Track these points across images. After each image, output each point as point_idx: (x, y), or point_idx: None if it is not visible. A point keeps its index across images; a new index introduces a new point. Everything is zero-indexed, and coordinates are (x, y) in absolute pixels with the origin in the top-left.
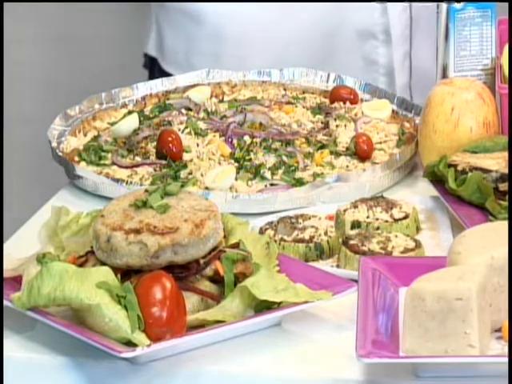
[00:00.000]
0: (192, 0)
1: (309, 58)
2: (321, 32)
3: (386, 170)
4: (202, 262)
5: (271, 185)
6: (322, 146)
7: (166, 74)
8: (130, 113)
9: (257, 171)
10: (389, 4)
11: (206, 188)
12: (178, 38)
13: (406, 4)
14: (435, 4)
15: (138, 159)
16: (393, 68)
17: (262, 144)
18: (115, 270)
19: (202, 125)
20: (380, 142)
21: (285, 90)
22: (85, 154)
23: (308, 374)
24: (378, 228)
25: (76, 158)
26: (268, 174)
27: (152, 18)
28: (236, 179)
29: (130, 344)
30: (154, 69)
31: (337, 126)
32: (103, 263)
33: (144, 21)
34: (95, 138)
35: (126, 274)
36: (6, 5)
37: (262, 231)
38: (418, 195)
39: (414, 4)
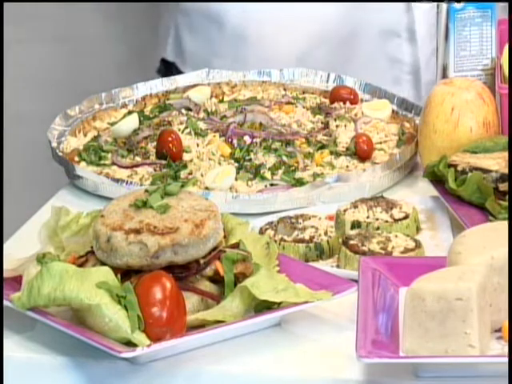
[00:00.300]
0: (211, 0)
1: (332, 59)
2: (343, 32)
3: (386, 170)
4: (202, 262)
5: (271, 185)
6: (322, 146)
7: None
8: (129, 113)
9: (257, 171)
10: (413, 2)
11: (206, 188)
12: (199, 41)
13: (434, 3)
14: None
15: (138, 159)
16: (418, 66)
17: (262, 144)
18: (115, 270)
19: (201, 125)
20: (380, 142)
21: (285, 90)
22: (85, 154)
23: (308, 374)
24: (378, 228)
25: (76, 158)
26: (268, 174)
27: (169, 23)
28: (236, 179)
29: (130, 344)
30: (172, 74)
31: (337, 126)
32: (103, 263)
33: (143, 21)
34: (95, 138)
35: (126, 274)
36: (5, 5)
37: (262, 231)
38: (417, 195)
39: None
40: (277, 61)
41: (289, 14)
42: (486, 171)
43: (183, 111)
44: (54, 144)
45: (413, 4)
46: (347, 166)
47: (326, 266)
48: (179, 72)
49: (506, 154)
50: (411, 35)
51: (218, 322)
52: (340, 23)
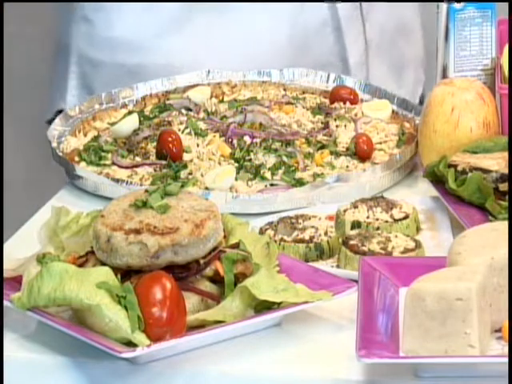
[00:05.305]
0: None
1: None
2: (280, 63)
3: (386, 171)
4: (202, 262)
5: (271, 185)
6: (322, 147)
7: None
8: (130, 113)
9: (257, 171)
10: (343, 30)
11: (206, 188)
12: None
13: (360, 29)
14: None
15: (138, 159)
16: None
17: (262, 144)
18: (115, 270)
19: (202, 125)
20: (380, 143)
21: (285, 90)
22: (85, 154)
23: (308, 374)
24: (378, 228)
25: (76, 159)
26: (268, 175)
27: (70, 69)
28: (236, 179)
29: (130, 344)
30: None
31: (337, 126)
32: (103, 263)
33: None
34: (95, 138)
35: (126, 274)
36: (5, 5)
37: (262, 231)
38: (417, 195)
39: (368, 30)
40: None
41: (222, 51)
42: (485, 171)
43: (183, 111)
44: (54, 144)
45: (343, 33)
46: (347, 166)
47: (325, 265)
48: None
49: (505, 154)
50: (344, 64)
51: (218, 322)
52: (278, 55)
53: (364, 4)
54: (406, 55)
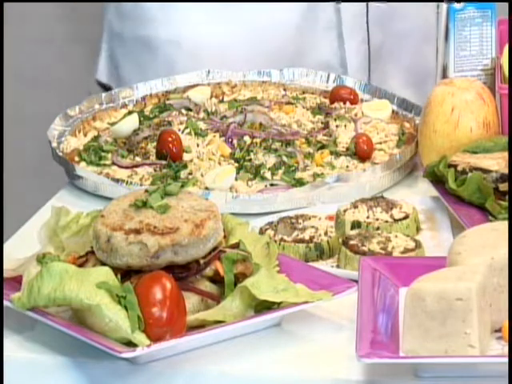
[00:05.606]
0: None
1: None
2: (278, 65)
3: (386, 171)
4: (202, 262)
5: (271, 185)
6: (322, 147)
7: None
8: (130, 113)
9: (257, 171)
10: (345, 35)
11: (206, 188)
12: (133, 67)
13: (365, 36)
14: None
15: (138, 159)
16: None
17: (262, 144)
18: (115, 270)
19: (202, 125)
20: (380, 143)
21: (285, 90)
22: (85, 154)
23: (308, 374)
24: (378, 228)
25: (76, 158)
26: (268, 174)
27: (103, 45)
28: (236, 179)
29: (130, 344)
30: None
31: (337, 126)
32: (103, 263)
33: None
34: (95, 138)
35: (126, 274)
36: (5, 5)
37: (262, 231)
38: (417, 195)
39: (373, 35)
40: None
41: (220, 42)
42: (485, 171)
43: (183, 111)
44: (54, 144)
45: (345, 39)
46: (347, 166)
47: (326, 265)
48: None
49: (505, 154)
50: (344, 70)
51: (218, 322)
52: (278, 54)
53: (381, 10)
54: (431, 64)
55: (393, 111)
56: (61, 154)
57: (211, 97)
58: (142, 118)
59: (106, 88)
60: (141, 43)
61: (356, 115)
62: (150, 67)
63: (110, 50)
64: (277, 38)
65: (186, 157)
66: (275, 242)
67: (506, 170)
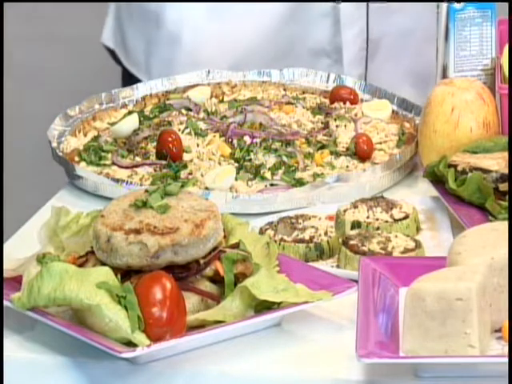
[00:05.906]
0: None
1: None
2: (277, 47)
3: (386, 171)
4: (202, 262)
5: (271, 185)
6: (322, 147)
7: (130, 75)
8: (130, 113)
9: (257, 171)
10: (342, 24)
11: (206, 188)
12: (139, 38)
13: (363, 27)
14: (402, 28)
15: (138, 159)
16: None
17: (262, 144)
18: (115, 270)
19: (202, 125)
20: (380, 143)
21: (285, 90)
22: (85, 154)
23: (308, 374)
24: (378, 228)
25: (76, 158)
26: (268, 174)
27: (111, 11)
28: (236, 179)
29: (130, 344)
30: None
31: (337, 126)
32: (103, 263)
33: None
34: (95, 138)
35: (126, 274)
36: (6, 5)
37: (262, 231)
38: (417, 195)
39: (373, 27)
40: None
41: (221, 25)
42: (485, 171)
43: (183, 111)
44: (54, 144)
45: (341, 25)
46: (347, 166)
47: (326, 265)
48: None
49: (505, 154)
50: (339, 57)
51: (218, 322)
52: (274, 38)
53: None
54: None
55: (393, 111)
56: (61, 153)
57: (211, 97)
58: (142, 118)
59: (110, 51)
60: (148, 16)
61: (356, 115)
62: (155, 42)
63: (117, 17)
64: (270, 24)
65: (186, 157)
66: (275, 242)
67: (506, 170)
